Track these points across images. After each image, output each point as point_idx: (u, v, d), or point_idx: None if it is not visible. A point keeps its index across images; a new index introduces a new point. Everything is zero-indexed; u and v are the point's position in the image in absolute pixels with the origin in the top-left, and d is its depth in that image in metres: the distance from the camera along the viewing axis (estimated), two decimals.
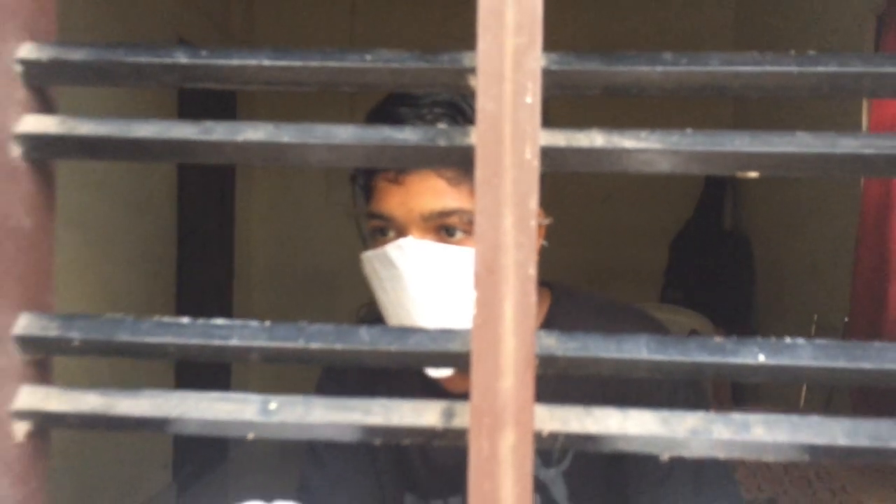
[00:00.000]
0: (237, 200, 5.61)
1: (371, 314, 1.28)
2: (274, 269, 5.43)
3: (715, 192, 5.80)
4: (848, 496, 2.23)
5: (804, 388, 3.87)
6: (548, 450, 1.06)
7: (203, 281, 5.04)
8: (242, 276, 5.50)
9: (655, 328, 1.12)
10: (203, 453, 5.24)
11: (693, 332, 4.40)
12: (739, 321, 5.40)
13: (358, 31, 6.11)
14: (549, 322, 1.13)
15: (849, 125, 3.97)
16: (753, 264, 5.46)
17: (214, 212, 5.30)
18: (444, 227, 0.94)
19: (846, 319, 3.51)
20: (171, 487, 5.04)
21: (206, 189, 5.14)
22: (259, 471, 5.17)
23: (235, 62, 0.56)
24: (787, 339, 0.55)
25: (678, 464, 0.85)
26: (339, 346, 0.57)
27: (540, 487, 1.08)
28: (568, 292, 1.15)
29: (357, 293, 1.44)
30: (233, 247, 5.36)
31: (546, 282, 1.18)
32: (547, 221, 1.05)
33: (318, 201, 5.66)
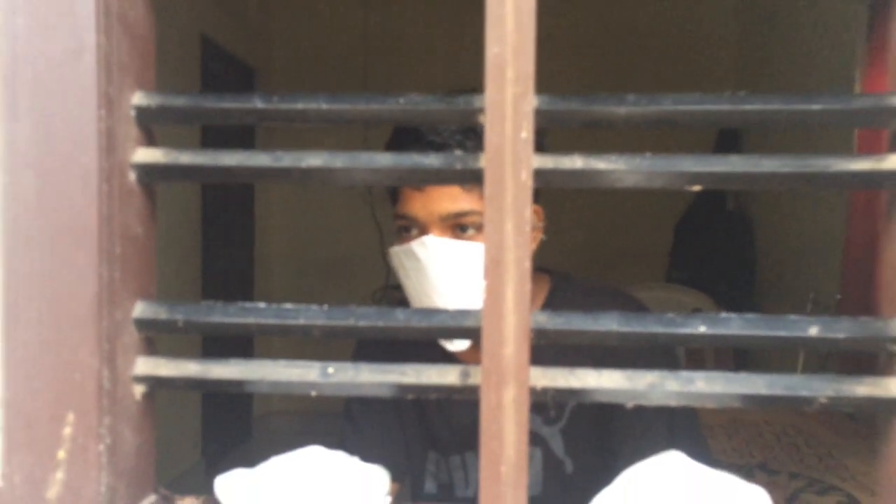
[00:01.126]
0: (257, 192, 5.79)
1: (386, 297, 1.44)
2: (292, 256, 5.60)
3: (726, 150, 5.90)
4: (834, 461, 2.39)
5: (801, 356, 4.02)
6: (548, 410, 1.23)
7: (226, 268, 5.23)
8: (263, 264, 5.67)
9: (635, 307, 1.27)
10: (229, 432, 5.45)
11: (696, 311, 4.54)
12: (741, 299, 5.54)
13: (371, 23, 6.25)
14: (549, 304, 1.29)
15: (840, 141, 4.06)
16: (755, 244, 5.60)
17: (236, 203, 5.48)
18: (458, 226, 1.10)
19: (838, 297, 3.66)
20: (200, 464, 5.27)
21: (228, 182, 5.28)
22: (281, 448, 5.37)
23: (300, 106, 0.72)
24: (723, 314, 0.71)
25: (655, 421, 1.01)
26: (380, 324, 0.74)
27: (541, 442, 1.25)
28: (565, 278, 1.31)
29: (370, 279, 1.60)
30: (253, 236, 5.54)
31: (547, 269, 1.34)
32: (541, 225, 1.20)
33: (334, 193, 5.83)
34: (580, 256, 5.37)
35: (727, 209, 5.96)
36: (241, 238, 5.37)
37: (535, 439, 1.23)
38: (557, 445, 1.23)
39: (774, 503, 0.76)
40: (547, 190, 1.02)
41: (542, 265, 1.33)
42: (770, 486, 0.75)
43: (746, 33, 5.73)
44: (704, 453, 0.89)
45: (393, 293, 1.15)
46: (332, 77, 4.48)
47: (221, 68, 5.09)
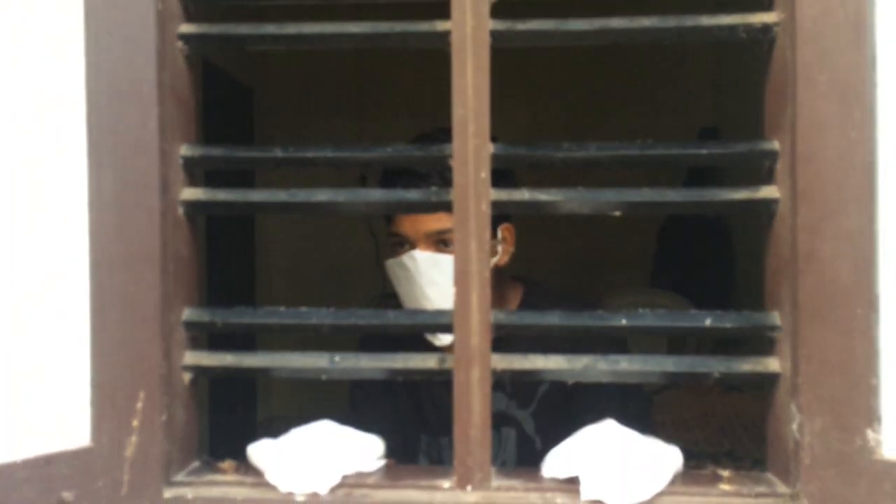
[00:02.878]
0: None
1: (383, 303, 1.64)
2: (291, 266, 5.78)
3: (697, 183, 6.11)
4: None
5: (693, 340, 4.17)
6: (521, 397, 1.43)
7: (229, 276, 5.42)
8: (263, 272, 5.86)
9: (587, 306, 1.46)
10: (235, 436, 5.63)
11: None
12: (721, 303, 5.73)
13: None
14: (522, 306, 1.49)
15: None
16: (734, 250, 5.81)
17: (237, 219, 5.68)
18: (441, 241, 1.30)
19: None
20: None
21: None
22: None
23: (310, 154, 0.93)
24: (640, 310, 0.91)
25: (609, 404, 1.19)
26: (375, 321, 0.94)
27: (516, 423, 1.45)
28: (535, 284, 1.52)
29: (364, 286, 1.79)
30: (254, 250, 5.73)
31: (521, 277, 1.54)
32: (505, 244, 1.38)
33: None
34: (569, 264, 5.56)
35: (707, 217, 6.18)
36: (243, 251, 5.56)
37: (510, 421, 1.43)
38: (529, 426, 1.44)
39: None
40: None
41: (519, 274, 1.53)
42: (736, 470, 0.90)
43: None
44: (648, 430, 1.07)
45: (388, 300, 1.33)
46: (327, 97, 4.68)
47: (221, 90, 5.29)
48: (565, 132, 3.81)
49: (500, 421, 1.42)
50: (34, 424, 0.78)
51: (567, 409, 1.36)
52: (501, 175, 1.04)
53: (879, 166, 0.75)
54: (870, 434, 0.75)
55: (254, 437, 1.01)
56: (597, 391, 1.24)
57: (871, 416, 0.75)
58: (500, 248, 1.36)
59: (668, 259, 6.18)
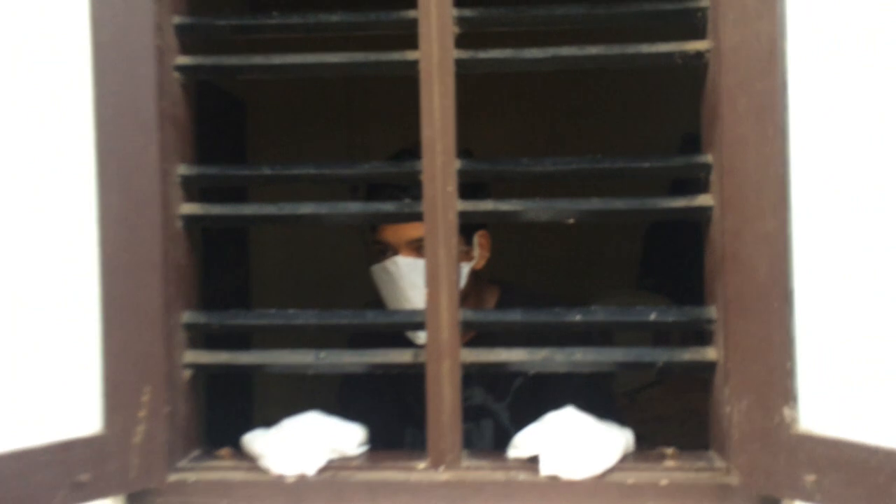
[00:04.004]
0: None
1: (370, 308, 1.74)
2: (285, 274, 5.87)
3: (681, 189, 6.24)
4: None
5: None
6: (497, 391, 1.53)
7: (225, 284, 5.51)
8: (257, 281, 5.96)
9: (555, 306, 1.55)
10: (231, 436, 5.70)
11: None
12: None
13: None
14: (498, 307, 1.59)
15: None
16: None
17: (231, 229, 5.78)
18: (420, 248, 1.39)
19: None
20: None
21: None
22: None
23: (296, 171, 1.03)
24: (593, 307, 1.01)
25: (576, 397, 1.28)
26: (356, 321, 1.04)
27: (492, 415, 1.55)
28: (511, 287, 1.62)
29: (356, 294, 1.88)
30: (248, 259, 5.83)
31: (497, 281, 1.64)
32: (481, 250, 1.47)
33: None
34: (556, 266, 5.66)
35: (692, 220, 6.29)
36: (238, 261, 5.66)
37: (487, 413, 1.53)
38: (504, 418, 1.53)
39: None
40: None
41: (496, 277, 1.63)
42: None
43: None
44: (613, 418, 1.16)
45: (376, 307, 1.42)
46: (317, 110, 4.78)
47: (213, 102, 5.38)
48: (551, 143, 3.91)
49: (478, 414, 1.51)
50: (53, 414, 0.87)
51: (538, 401, 1.46)
52: (476, 187, 1.14)
53: (791, 177, 0.86)
54: (786, 411, 0.85)
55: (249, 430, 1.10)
56: (564, 385, 1.34)
57: (787, 396, 0.85)
58: (476, 254, 1.46)
59: (653, 262, 6.30)
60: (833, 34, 0.83)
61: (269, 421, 1.08)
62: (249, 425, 1.09)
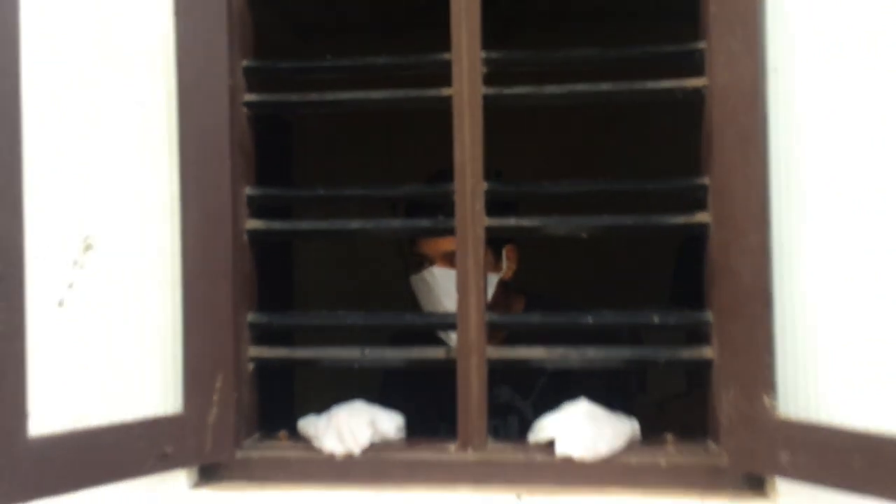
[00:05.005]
0: None
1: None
2: (324, 286, 6.06)
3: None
4: None
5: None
6: (523, 389, 1.67)
7: (271, 291, 5.74)
8: (300, 291, 6.17)
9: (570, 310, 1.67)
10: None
11: None
12: None
13: None
14: (524, 313, 1.73)
15: None
16: None
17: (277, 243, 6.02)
18: (453, 259, 1.54)
19: None
20: None
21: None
22: None
23: (347, 192, 1.19)
24: (604, 311, 1.15)
25: (597, 392, 1.41)
26: (397, 322, 1.19)
27: (518, 412, 1.69)
28: (536, 296, 1.76)
29: (387, 300, 2.03)
30: (293, 269, 6.05)
31: (525, 290, 1.78)
32: (509, 262, 1.61)
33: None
34: (590, 283, 5.76)
35: None
36: (283, 269, 5.88)
37: (513, 410, 1.67)
38: (529, 414, 1.67)
39: None
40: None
41: (524, 288, 1.77)
42: None
43: None
44: (623, 411, 1.29)
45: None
46: (360, 131, 4.96)
47: (264, 123, 5.63)
48: (578, 165, 4.06)
49: (506, 411, 1.65)
50: (145, 396, 1.04)
51: (560, 399, 1.60)
52: (506, 205, 1.29)
53: (772, 198, 0.99)
54: (766, 400, 0.97)
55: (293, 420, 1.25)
56: (583, 384, 1.47)
57: (767, 386, 0.98)
58: (504, 266, 1.60)
59: (684, 275, 6.37)
60: (808, 77, 0.97)
61: (307, 412, 1.23)
62: (293, 414, 1.24)
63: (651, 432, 1.19)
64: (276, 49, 1.33)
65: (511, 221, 1.16)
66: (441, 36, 1.16)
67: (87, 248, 0.98)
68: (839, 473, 0.90)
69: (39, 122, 0.92)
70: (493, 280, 1.54)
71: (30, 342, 0.90)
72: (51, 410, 0.93)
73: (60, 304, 0.95)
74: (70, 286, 0.95)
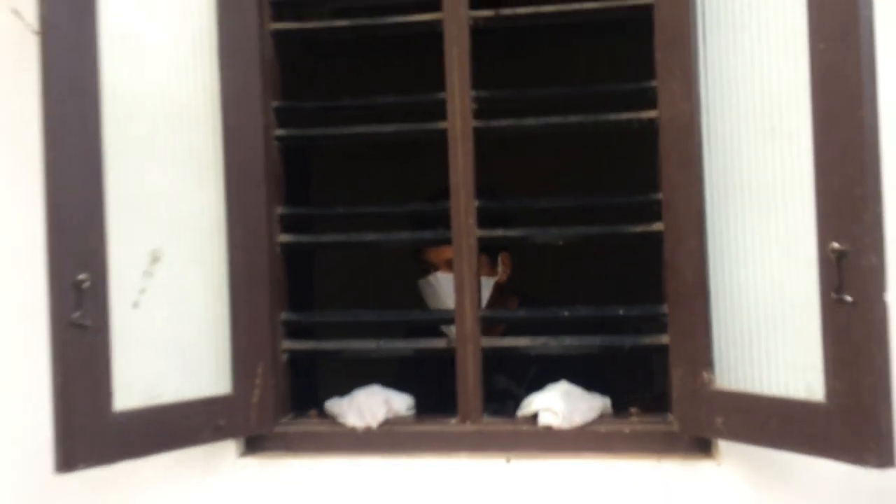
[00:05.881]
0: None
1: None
2: (342, 291, 6.29)
3: None
4: None
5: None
6: (518, 377, 1.89)
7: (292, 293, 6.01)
8: (321, 295, 6.43)
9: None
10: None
11: None
12: None
13: None
14: None
15: None
16: None
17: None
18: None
19: None
20: None
21: None
22: None
23: (361, 210, 1.42)
24: (578, 306, 1.37)
25: (578, 379, 1.62)
26: (406, 318, 1.42)
27: (514, 397, 1.91)
28: (528, 297, 1.98)
29: (395, 301, 2.25)
30: (312, 274, 6.31)
31: (518, 291, 2.00)
32: (504, 267, 1.84)
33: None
34: (569, 282, 5.96)
35: None
36: (302, 273, 6.15)
37: (510, 395, 1.88)
38: (523, 398, 1.88)
39: None
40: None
41: (517, 290, 1.99)
42: None
43: None
44: (599, 392, 1.49)
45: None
46: (374, 149, 5.18)
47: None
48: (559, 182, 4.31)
49: (502, 396, 1.87)
50: (202, 379, 1.27)
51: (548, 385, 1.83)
52: (503, 218, 1.50)
53: (707, 210, 1.21)
54: (706, 375, 1.19)
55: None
56: (567, 372, 1.69)
57: (706, 363, 1.19)
58: (499, 270, 1.83)
59: None
60: (734, 115, 1.18)
61: (326, 397, 1.45)
62: (318, 397, 1.46)
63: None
64: (296, 70, 1.55)
65: (499, 232, 1.39)
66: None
67: (155, 260, 1.21)
68: (760, 432, 1.11)
69: (117, 161, 1.15)
70: (489, 283, 1.76)
71: (113, 336, 1.13)
72: (130, 390, 1.16)
73: (135, 305, 1.18)
74: (142, 291, 1.19)
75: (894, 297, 0.97)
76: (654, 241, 1.31)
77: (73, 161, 1.09)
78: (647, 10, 1.29)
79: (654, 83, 1.31)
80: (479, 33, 1.37)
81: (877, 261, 0.96)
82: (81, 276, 1.09)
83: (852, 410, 0.99)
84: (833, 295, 0.99)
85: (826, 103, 1.00)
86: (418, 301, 1.90)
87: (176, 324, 1.25)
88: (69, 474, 1.09)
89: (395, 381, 1.91)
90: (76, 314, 1.08)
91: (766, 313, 1.13)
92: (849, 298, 0.97)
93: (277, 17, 1.42)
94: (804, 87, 1.03)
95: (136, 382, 1.17)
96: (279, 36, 1.41)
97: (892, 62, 1.14)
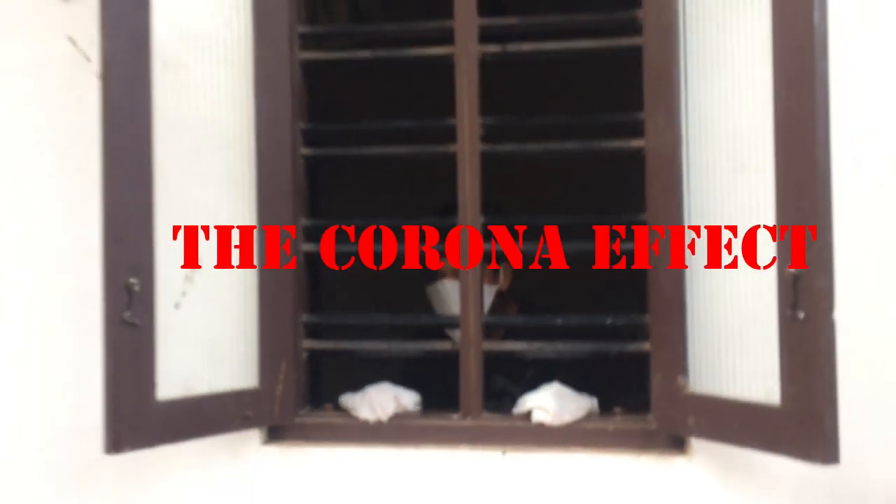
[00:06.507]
0: None
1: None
2: (350, 299, 6.42)
3: None
4: None
5: None
6: (515, 377, 2.04)
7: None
8: (327, 301, 6.58)
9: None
10: None
11: None
12: None
13: None
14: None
15: None
16: None
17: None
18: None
19: None
20: None
21: None
22: None
23: (376, 224, 1.57)
24: (569, 314, 1.52)
25: (569, 381, 1.76)
26: (414, 321, 1.57)
27: (511, 396, 2.05)
28: (527, 303, 2.12)
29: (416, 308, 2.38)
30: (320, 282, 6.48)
31: (518, 298, 2.14)
32: (505, 275, 1.98)
33: None
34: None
35: None
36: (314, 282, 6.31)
37: (508, 394, 2.01)
38: (519, 397, 2.03)
39: None
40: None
41: (517, 296, 2.13)
42: None
43: None
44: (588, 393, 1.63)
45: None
46: (385, 170, 5.31)
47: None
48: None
49: (500, 394, 2.01)
50: (233, 373, 1.42)
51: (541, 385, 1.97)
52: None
53: (686, 232, 1.35)
54: (681, 379, 1.33)
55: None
56: (560, 375, 1.83)
57: (682, 369, 1.33)
58: (501, 279, 1.97)
59: None
60: (712, 145, 1.33)
61: (328, 391, 1.60)
62: (319, 392, 1.61)
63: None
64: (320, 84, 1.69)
65: (499, 245, 1.53)
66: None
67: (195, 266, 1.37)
68: (726, 431, 1.26)
69: (164, 178, 1.31)
70: (492, 290, 1.90)
71: (157, 333, 1.29)
72: (170, 381, 1.31)
73: (177, 306, 1.33)
74: (183, 294, 1.34)
75: (841, 315, 1.10)
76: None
77: (127, 181, 1.25)
78: (637, 50, 1.43)
79: (641, 115, 1.46)
80: (488, 65, 1.52)
81: (826, 283, 1.10)
82: (132, 280, 1.24)
83: (803, 413, 1.13)
84: (789, 312, 1.13)
85: (786, 143, 1.14)
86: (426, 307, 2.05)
87: (210, 324, 1.40)
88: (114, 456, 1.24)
89: (402, 378, 2.07)
90: (127, 313, 1.24)
91: (733, 326, 1.27)
92: (802, 315, 1.11)
93: (304, 46, 1.57)
94: (769, 128, 1.18)
95: (176, 375, 1.32)
96: (306, 65, 1.56)
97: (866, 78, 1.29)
